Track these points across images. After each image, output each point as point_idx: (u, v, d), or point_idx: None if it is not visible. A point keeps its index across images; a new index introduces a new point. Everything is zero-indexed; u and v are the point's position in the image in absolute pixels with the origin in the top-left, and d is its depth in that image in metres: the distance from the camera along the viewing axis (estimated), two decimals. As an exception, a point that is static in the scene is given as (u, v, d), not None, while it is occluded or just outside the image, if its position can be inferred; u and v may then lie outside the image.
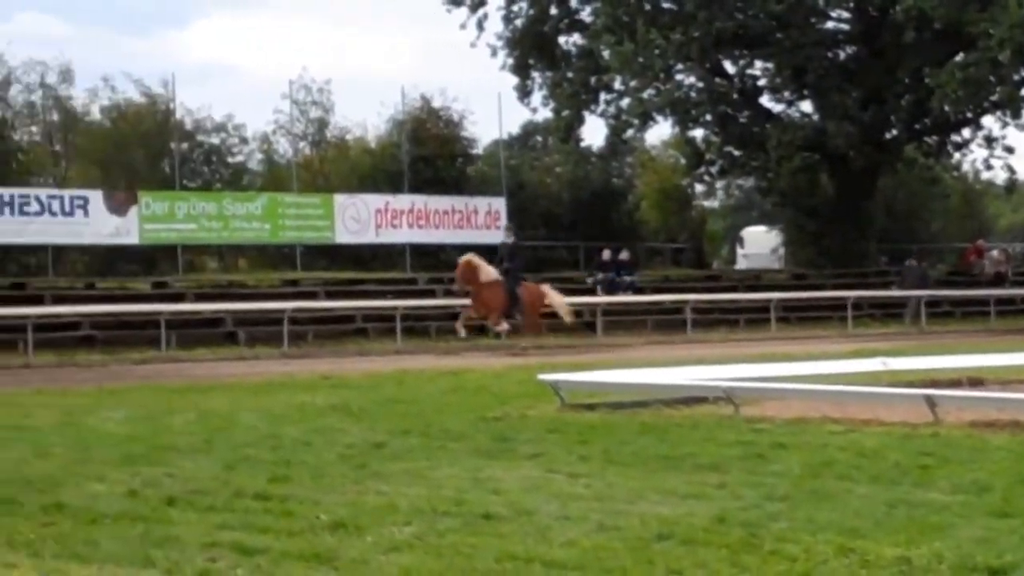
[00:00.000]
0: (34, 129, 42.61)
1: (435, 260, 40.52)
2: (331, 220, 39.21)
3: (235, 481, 11.29)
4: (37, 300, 32.33)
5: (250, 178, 44.59)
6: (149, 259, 39.57)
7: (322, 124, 45.59)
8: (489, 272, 27.97)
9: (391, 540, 8.69)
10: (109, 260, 39.65)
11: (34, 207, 35.50)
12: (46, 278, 35.92)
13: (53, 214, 35.68)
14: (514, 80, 44.02)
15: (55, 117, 42.06)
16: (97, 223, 35.98)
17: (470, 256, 28.37)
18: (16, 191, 36.22)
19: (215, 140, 43.69)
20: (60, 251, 37.65)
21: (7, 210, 35.09)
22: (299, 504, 10.17)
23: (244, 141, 44.93)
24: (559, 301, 29.26)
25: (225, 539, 8.86)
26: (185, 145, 41.83)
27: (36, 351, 29.42)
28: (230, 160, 44.41)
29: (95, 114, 43.02)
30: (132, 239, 36.87)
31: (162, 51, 75.74)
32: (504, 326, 28.33)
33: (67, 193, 36.83)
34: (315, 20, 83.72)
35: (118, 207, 36.39)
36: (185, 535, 9.02)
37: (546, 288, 29.14)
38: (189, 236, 38.10)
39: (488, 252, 40.01)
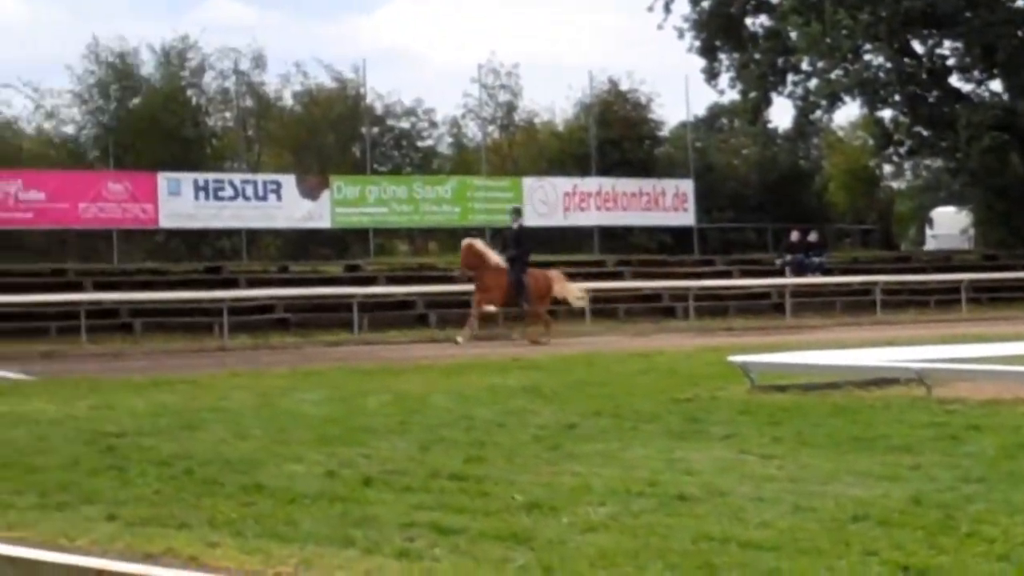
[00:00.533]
0: (227, 115, 43.02)
1: (623, 242, 40.95)
2: (520, 203, 39.16)
3: (430, 462, 11.39)
4: (232, 284, 33.02)
5: (440, 162, 45.02)
6: (341, 242, 40.18)
7: (510, 108, 45.64)
8: (493, 258, 27.21)
9: (587, 520, 8.63)
10: (302, 244, 40.37)
11: (228, 192, 36.24)
12: (240, 262, 36.64)
13: (247, 199, 36.43)
14: (701, 62, 44.10)
15: (248, 103, 42.40)
16: (290, 207, 36.60)
17: (471, 240, 27.81)
18: (211, 176, 36.98)
19: (405, 124, 43.95)
20: (254, 235, 38.36)
21: (202, 195, 35.73)
22: (494, 484, 10.20)
23: (433, 125, 45.10)
24: (569, 288, 28.40)
25: (422, 519, 8.90)
26: (376, 130, 42.20)
27: (231, 334, 30.07)
28: (420, 144, 44.78)
29: (287, 100, 43.50)
30: (324, 223, 37.50)
31: (350, 36, 77.00)
32: (491, 308, 27.54)
33: (260, 178, 37.59)
34: (502, 4, 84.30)
35: (310, 191, 36.97)
36: (383, 515, 9.09)
37: (554, 274, 28.18)
38: (380, 220, 38.65)
39: (675, 234, 40.59)
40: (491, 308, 27.29)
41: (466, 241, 27.54)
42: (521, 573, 7.60)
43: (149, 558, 8.17)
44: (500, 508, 9.20)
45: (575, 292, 28.27)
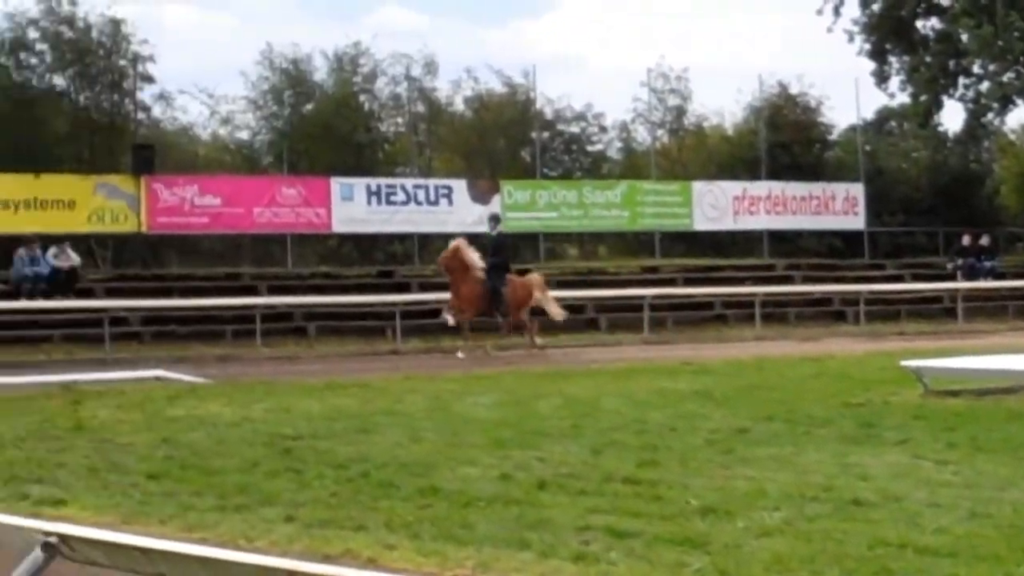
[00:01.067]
0: (399, 120, 43.13)
1: (793, 246, 40.84)
2: (689, 207, 39.62)
3: (604, 465, 11.42)
4: (404, 288, 33.37)
5: (609, 166, 44.93)
6: (512, 247, 39.25)
7: (680, 112, 45.36)
8: (476, 264, 25.71)
9: (761, 525, 8.66)
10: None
11: (400, 196, 36.78)
12: (412, 266, 36.91)
13: (418, 203, 36.98)
14: (871, 65, 44.09)
15: (419, 108, 42.61)
16: (461, 212, 36.83)
17: (460, 243, 26.20)
18: (383, 181, 37.55)
19: (575, 129, 43.87)
20: (425, 239, 38.31)
21: (374, 200, 36.38)
22: (668, 488, 10.23)
23: (603, 130, 44.88)
24: (549, 298, 27.05)
25: (597, 523, 8.91)
26: (546, 134, 42.21)
27: (403, 337, 30.39)
28: (589, 149, 44.67)
29: (458, 105, 43.53)
30: None
31: (519, 42, 76.90)
32: (451, 319, 26.20)
33: (432, 183, 38.02)
34: (670, 8, 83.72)
35: (481, 196, 37.28)
36: (558, 518, 9.13)
37: (535, 281, 26.98)
38: (550, 224, 38.92)
39: (845, 238, 40.36)
40: (451, 320, 26.18)
41: (455, 242, 26.24)
42: None
43: (328, 559, 8.29)
44: (674, 512, 9.21)
45: (555, 308, 27.12)
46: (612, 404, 16.91)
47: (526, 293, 26.11)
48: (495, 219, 27.64)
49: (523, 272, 28.10)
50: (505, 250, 26.99)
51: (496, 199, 37.30)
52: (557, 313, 26.85)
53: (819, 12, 43.21)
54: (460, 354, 24.71)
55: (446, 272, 26.02)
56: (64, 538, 4.91)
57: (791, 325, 33.41)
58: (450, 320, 25.90)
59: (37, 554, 4.90)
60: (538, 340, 25.98)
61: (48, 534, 4.92)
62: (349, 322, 31.44)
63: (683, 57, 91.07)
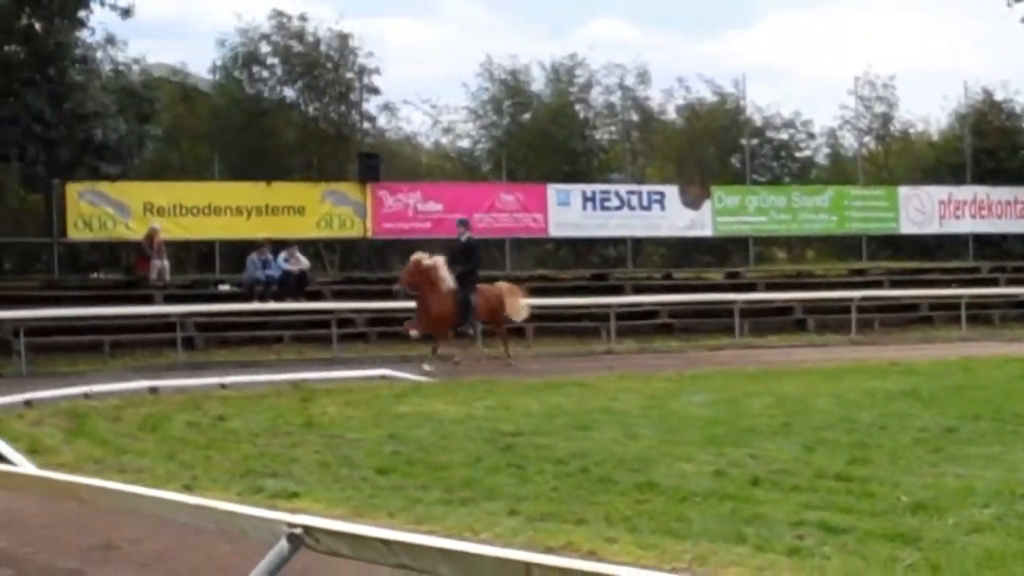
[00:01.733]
0: (613, 128, 43.05)
1: (998, 250, 40.48)
2: (895, 211, 39.45)
3: (815, 462, 11.45)
4: (618, 290, 33.52)
5: (817, 172, 44.69)
6: (722, 250, 40.44)
7: (886, 119, 44.87)
8: (446, 280, 23.61)
9: (972, 521, 8.61)
10: (684, 251, 40.67)
11: (614, 202, 36.92)
12: (626, 269, 37.10)
13: (632, 208, 37.03)
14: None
15: (633, 117, 42.68)
16: (673, 216, 37.01)
17: (420, 256, 23.92)
18: (598, 187, 37.67)
19: (783, 136, 43.74)
20: (639, 243, 38.56)
21: (589, 205, 36.54)
22: (879, 485, 10.21)
23: (811, 136, 44.68)
24: (519, 305, 25.25)
25: (811, 518, 8.94)
26: (755, 141, 41.98)
27: (617, 338, 30.39)
28: (797, 155, 44.50)
29: (670, 113, 43.33)
30: (706, 231, 37.76)
31: (729, 52, 76.90)
32: (414, 332, 24.19)
33: (644, 188, 38.00)
34: (877, 17, 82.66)
35: (693, 201, 37.22)
36: (772, 513, 9.21)
37: (505, 289, 25.24)
38: (759, 228, 38.80)
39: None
40: (414, 333, 24.20)
41: (414, 256, 23.99)
42: (910, 573, 7.63)
43: (549, 551, 8.22)
44: (885, 508, 9.24)
45: (521, 312, 25.41)
46: (822, 403, 16.80)
47: (498, 302, 24.71)
48: (464, 224, 25.30)
49: (492, 280, 26.69)
50: (475, 257, 25.08)
51: (707, 204, 37.28)
52: (516, 313, 25.16)
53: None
54: (427, 366, 22.75)
55: (411, 290, 23.91)
56: (308, 530, 5.11)
57: (996, 327, 33.36)
58: (413, 333, 24.19)
59: (283, 545, 5.09)
60: (508, 356, 24.26)
61: (293, 526, 5.13)
62: (565, 323, 31.50)
63: (890, 64, 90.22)
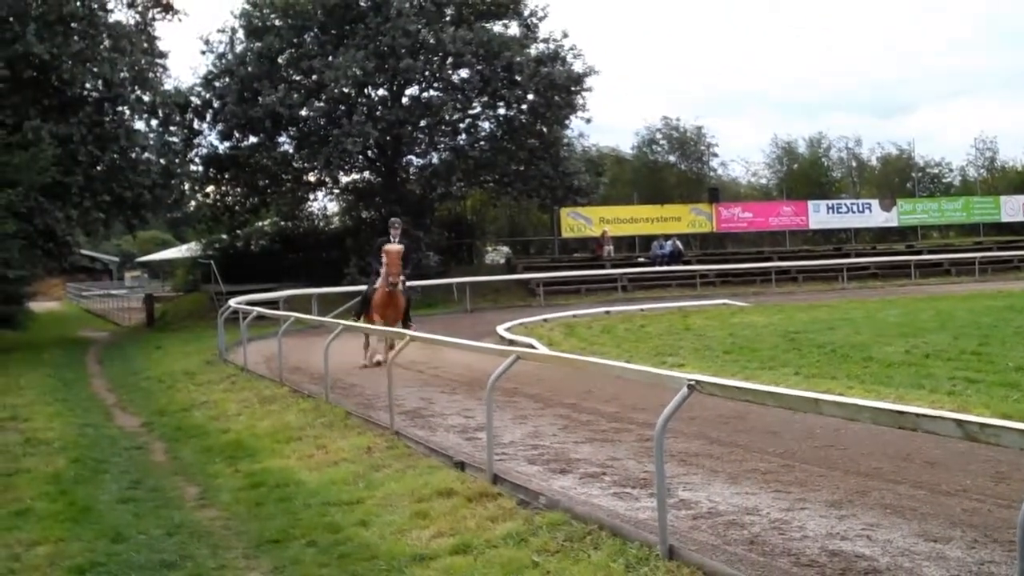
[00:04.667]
0: (841, 171, 51.01)
1: None
2: (999, 209, 46.55)
3: (959, 345, 13.82)
4: (846, 255, 39.63)
5: (954, 188, 50.79)
6: (903, 234, 45.94)
7: (993, 159, 51.51)
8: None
9: None
10: (882, 235, 46.02)
11: (844, 209, 45.00)
12: (851, 245, 43.29)
13: (853, 212, 44.64)
14: None
15: (853, 164, 50.12)
16: (875, 216, 44.42)
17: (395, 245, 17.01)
18: (834, 201, 45.64)
19: (935, 170, 50.84)
20: (857, 231, 45.20)
21: (830, 211, 44.64)
22: (996, 357, 12.26)
23: (951, 170, 52.42)
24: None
25: (959, 375, 11.05)
26: (919, 174, 48.77)
27: (847, 281, 35.86)
28: (943, 180, 51.30)
29: (873, 161, 51.24)
30: (894, 223, 44.95)
31: (899, 125, 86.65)
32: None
33: (860, 201, 45.51)
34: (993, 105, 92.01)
35: (887, 207, 44.88)
36: (937, 373, 11.36)
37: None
38: (923, 220, 45.83)
39: None
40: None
41: (395, 246, 17.03)
42: (1015, 403, 9.43)
43: (821, 392, 10.35)
44: (1000, 369, 11.39)
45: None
46: (960, 313, 19.88)
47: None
48: (399, 225, 17.13)
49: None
50: (413, 258, 19.69)
51: (895, 208, 44.15)
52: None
53: None
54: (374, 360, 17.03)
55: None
56: (699, 383, 6.10)
57: None
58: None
59: (684, 391, 6.11)
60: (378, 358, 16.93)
61: (690, 380, 6.09)
62: (817, 273, 36.88)
63: (997, 129, 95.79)
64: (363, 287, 18.52)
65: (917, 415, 4.93)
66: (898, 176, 52.15)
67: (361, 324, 16.85)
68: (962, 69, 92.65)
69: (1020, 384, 10.47)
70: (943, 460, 7.99)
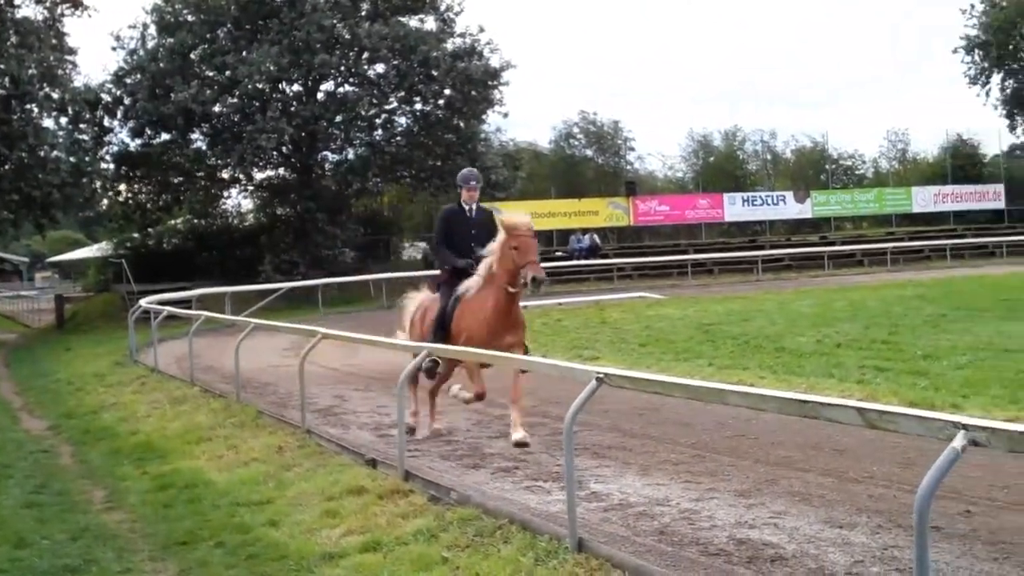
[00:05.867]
0: (756, 163, 52.17)
1: (964, 218, 46.41)
2: (911, 200, 47.78)
3: (870, 334, 14.09)
4: (761, 247, 40.29)
5: (867, 180, 51.43)
6: (816, 225, 46.93)
7: (904, 152, 53.03)
8: None
9: (956, 363, 11.05)
10: (796, 227, 47.25)
11: (759, 202, 45.59)
12: (765, 237, 44.36)
13: (768, 204, 45.34)
14: None
15: (768, 157, 51.66)
16: (790, 207, 45.30)
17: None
18: (750, 193, 46.09)
19: (848, 162, 52.04)
20: (772, 223, 46.26)
21: (746, 203, 45.06)
22: (905, 345, 13.23)
23: (864, 162, 53.54)
24: None
25: (868, 364, 11.38)
26: (832, 166, 49.64)
27: (762, 273, 36.24)
28: (856, 172, 52.31)
29: (787, 153, 52.27)
30: (808, 215, 45.99)
31: (812, 116, 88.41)
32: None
33: (775, 193, 46.02)
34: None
35: (801, 199, 45.72)
36: (847, 362, 11.80)
37: None
38: (837, 212, 46.59)
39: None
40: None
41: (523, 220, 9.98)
42: (922, 391, 9.67)
43: (733, 383, 9.97)
44: (909, 358, 11.80)
45: None
46: (872, 303, 20.23)
47: None
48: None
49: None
50: None
51: (809, 200, 44.96)
52: None
53: None
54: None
55: None
56: (607, 375, 6.10)
57: (965, 260, 39.26)
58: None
59: (593, 384, 6.12)
60: None
61: (599, 373, 6.17)
62: (733, 265, 37.80)
63: (909, 123, 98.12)
64: (282, 283, 16.53)
65: (819, 404, 5.00)
66: (812, 168, 53.12)
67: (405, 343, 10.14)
68: (875, 61, 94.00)
69: (928, 372, 10.75)
70: (852, 448, 8.17)
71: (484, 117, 40.10)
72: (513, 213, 9.97)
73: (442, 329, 9.64)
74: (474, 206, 9.99)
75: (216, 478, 9.20)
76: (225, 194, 41.99)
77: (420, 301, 10.43)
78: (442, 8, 39.04)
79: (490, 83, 38.22)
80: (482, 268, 9.51)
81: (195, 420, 12.23)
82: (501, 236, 9.35)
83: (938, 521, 6.08)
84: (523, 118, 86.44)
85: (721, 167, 51.55)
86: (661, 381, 6.19)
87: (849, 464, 7.79)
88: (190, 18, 36.46)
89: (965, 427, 4.16)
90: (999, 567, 5.48)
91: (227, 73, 35.54)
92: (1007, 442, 4.07)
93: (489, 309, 9.38)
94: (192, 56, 36.72)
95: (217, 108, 36.36)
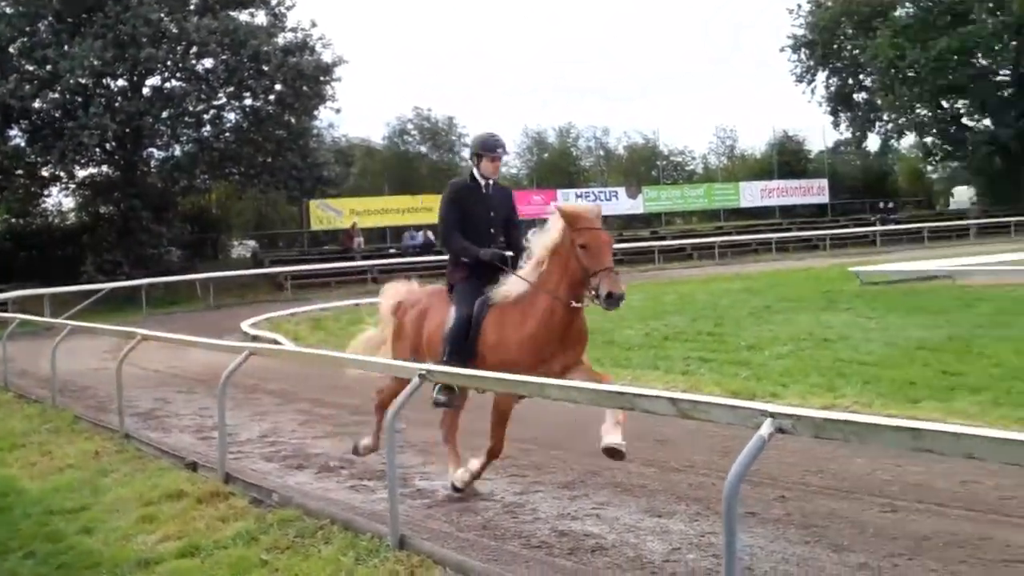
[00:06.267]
0: (591, 160, 53.04)
1: (791, 213, 47.92)
2: (738, 195, 48.78)
3: (696, 326, 14.69)
4: None
5: (697, 176, 52.56)
6: (648, 220, 47.53)
7: (732, 148, 54.43)
8: None
9: (778, 353, 11.40)
10: (629, 221, 46.73)
11: (592, 197, 43.56)
12: None
13: (601, 200, 42.93)
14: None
15: (601, 153, 52.28)
16: (623, 203, 45.80)
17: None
18: (583, 189, 46.42)
19: (679, 159, 53.36)
20: (605, 219, 46.60)
21: (579, 199, 41.27)
22: (729, 337, 13.98)
23: (694, 158, 54.49)
24: None
25: (693, 355, 11.92)
26: (663, 162, 50.61)
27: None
28: (687, 168, 53.69)
29: (620, 150, 52.92)
30: (640, 210, 46.53)
31: (644, 112, 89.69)
32: None
33: (607, 189, 46.83)
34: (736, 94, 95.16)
35: (633, 194, 46.47)
36: (673, 354, 12.25)
37: None
38: (668, 207, 47.79)
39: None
40: None
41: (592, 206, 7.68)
42: (744, 380, 10.04)
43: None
44: (732, 348, 12.24)
45: None
46: (700, 296, 20.67)
47: None
48: None
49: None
50: None
51: (640, 196, 45.90)
52: None
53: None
54: None
55: None
56: (429, 372, 6.36)
57: (789, 253, 40.12)
58: None
59: (416, 381, 6.15)
60: None
61: (421, 370, 6.22)
62: None
63: (735, 121, 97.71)
64: (106, 283, 15.94)
65: (634, 395, 5.08)
66: (644, 165, 53.75)
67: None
68: (686, 56, 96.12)
69: (750, 362, 11.06)
70: (674, 438, 8.34)
71: (316, 113, 39.63)
72: (573, 206, 7.18)
73: (464, 344, 7.12)
74: (491, 181, 7.65)
75: (28, 486, 8.91)
76: (45, 192, 40.59)
77: (405, 296, 8.04)
78: (273, 2, 38.41)
79: (322, 78, 37.89)
80: (530, 268, 7.05)
81: (7, 426, 11.83)
82: (558, 228, 6.89)
83: (754, 507, 6.31)
84: (357, 114, 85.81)
85: (556, 164, 52.00)
86: (481, 376, 6.22)
87: (671, 454, 7.98)
88: (8, 10, 35.24)
89: (772, 415, 4.28)
90: (810, 549, 5.67)
91: (48, 68, 34.41)
92: (812, 428, 4.19)
93: (537, 324, 6.96)
94: (11, 49, 35.48)
95: (37, 104, 35.29)
